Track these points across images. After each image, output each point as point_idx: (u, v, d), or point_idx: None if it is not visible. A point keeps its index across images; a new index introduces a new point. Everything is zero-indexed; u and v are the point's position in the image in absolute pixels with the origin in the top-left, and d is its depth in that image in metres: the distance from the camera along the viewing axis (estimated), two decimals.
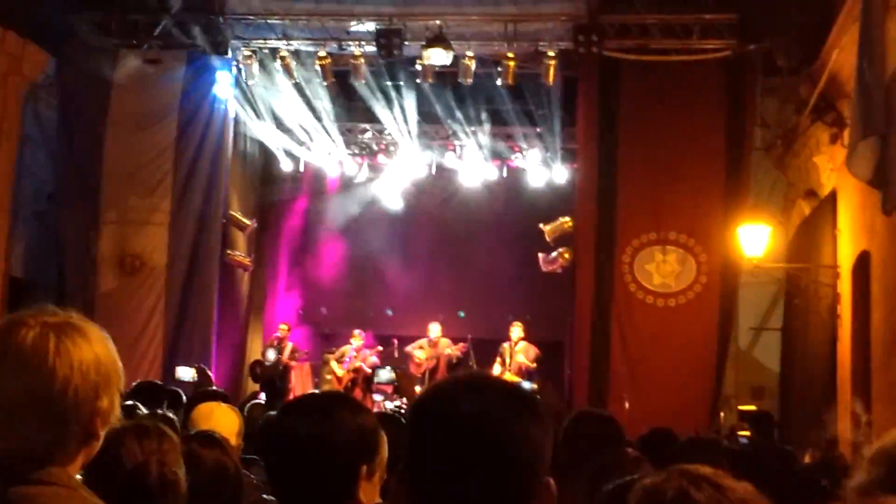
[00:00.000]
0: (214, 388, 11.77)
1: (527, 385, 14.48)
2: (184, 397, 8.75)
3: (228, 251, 17.19)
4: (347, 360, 17.61)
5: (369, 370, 17.42)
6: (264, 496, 4.85)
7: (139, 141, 16.20)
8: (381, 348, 17.89)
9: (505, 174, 19.08)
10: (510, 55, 15.74)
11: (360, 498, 2.63)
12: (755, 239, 14.18)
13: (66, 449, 2.14)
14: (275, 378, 16.86)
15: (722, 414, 15.37)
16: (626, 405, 14.05)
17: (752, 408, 14.41)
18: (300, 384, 17.61)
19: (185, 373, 14.51)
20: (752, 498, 2.14)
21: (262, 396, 15.42)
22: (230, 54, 16.47)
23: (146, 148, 16.25)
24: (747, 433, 11.55)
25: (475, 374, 1.86)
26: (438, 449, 1.72)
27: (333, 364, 17.65)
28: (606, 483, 3.55)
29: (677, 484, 2.11)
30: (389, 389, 17.13)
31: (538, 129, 17.91)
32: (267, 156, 19.04)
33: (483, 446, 1.71)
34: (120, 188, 16.15)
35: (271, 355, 17.28)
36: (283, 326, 17.97)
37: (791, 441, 12.13)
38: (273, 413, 2.84)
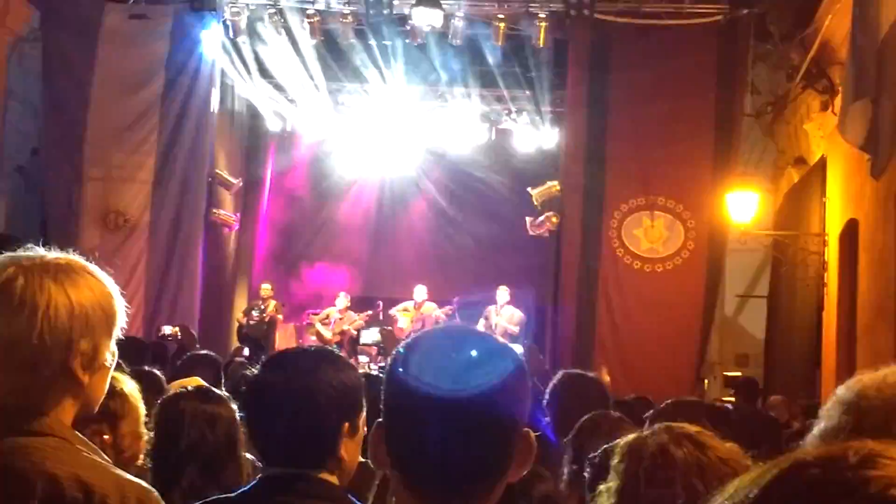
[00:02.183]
0: (204, 351, 11.69)
1: (515, 346, 14.39)
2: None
3: (214, 210, 17.11)
4: (332, 322, 17.59)
5: (355, 332, 17.42)
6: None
7: (125, 97, 16.05)
8: (370, 312, 17.87)
9: (494, 136, 19.01)
10: (501, 16, 15.62)
11: (342, 455, 2.60)
12: (743, 205, 14.18)
13: (46, 395, 2.09)
14: (259, 337, 16.84)
15: (706, 381, 15.41)
16: (606, 375, 14.02)
17: (738, 374, 14.46)
18: (284, 345, 17.57)
19: (170, 331, 14.45)
20: (734, 457, 2.14)
21: (245, 353, 15.42)
22: (217, 10, 16.29)
23: (132, 105, 16.10)
24: (732, 399, 11.58)
25: (455, 326, 1.81)
26: (416, 401, 1.67)
27: (319, 326, 17.63)
28: (590, 442, 3.55)
29: (659, 440, 2.12)
30: (374, 351, 17.13)
31: (528, 92, 17.80)
32: (254, 114, 18.92)
33: (463, 397, 1.66)
34: (105, 144, 16.01)
35: (255, 314, 17.26)
36: (267, 286, 17.91)
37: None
38: (255, 369, 2.79)
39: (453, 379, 1.65)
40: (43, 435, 2.06)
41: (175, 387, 4.68)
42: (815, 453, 0.82)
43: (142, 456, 3.20)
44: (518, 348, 13.71)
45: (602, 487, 2.22)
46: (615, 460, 2.20)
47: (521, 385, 1.73)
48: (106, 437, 2.92)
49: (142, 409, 3.12)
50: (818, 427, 1.82)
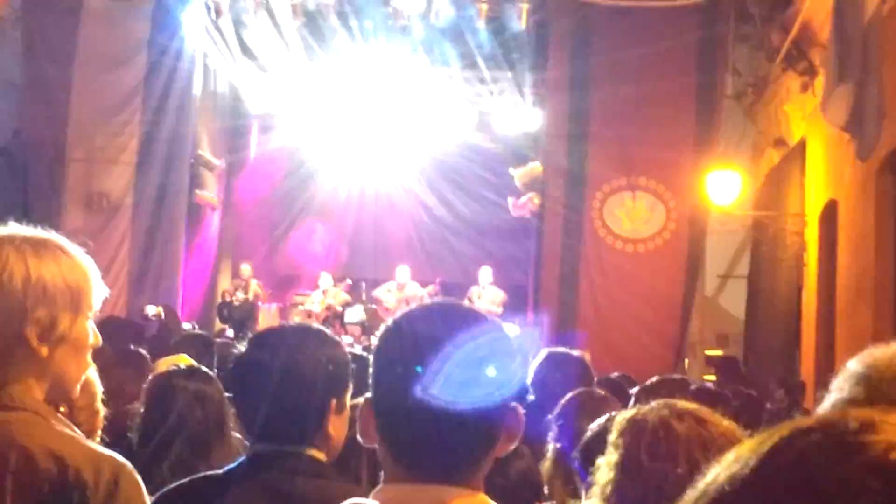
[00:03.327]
0: (200, 332, 11.67)
1: (510, 327, 14.28)
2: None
3: (197, 191, 17.06)
4: (316, 303, 17.56)
5: (339, 308, 17.38)
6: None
7: (108, 79, 15.91)
8: (349, 281, 17.86)
9: (476, 118, 18.97)
10: None
11: (330, 431, 2.61)
12: (724, 186, 14.21)
13: (5, 367, 2.09)
14: (243, 318, 16.82)
15: (687, 360, 15.47)
16: (588, 356, 14.02)
17: (719, 353, 14.52)
18: (268, 325, 17.50)
19: (153, 312, 14.44)
20: (733, 433, 2.16)
21: (228, 334, 15.42)
22: None
23: (115, 86, 15.97)
24: (713, 377, 11.64)
25: (445, 302, 1.83)
26: (407, 375, 1.68)
27: (306, 307, 17.57)
28: (575, 419, 3.58)
29: (660, 414, 2.14)
30: (358, 331, 17.10)
31: (510, 74, 17.78)
32: (236, 96, 18.82)
33: (452, 374, 1.66)
34: (88, 126, 15.88)
35: (239, 295, 17.22)
36: (246, 266, 17.85)
37: (755, 387, 12.24)
38: (242, 346, 2.80)
39: (442, 355, 1.66)
40: (13, 409, 2.05)
41: (163, 364, 4.69)
42: (815, 419, 0.82)
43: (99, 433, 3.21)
44: (515, 328, 13.75)
45: (601, 461, 2.24)
46: (614, 435, 2.22)
47: (509, 360, 1.74)
48: (62, 409, 2.94)
49: (98, 385, 3.12)
50: (829, 400, 1.86)
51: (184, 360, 4.64)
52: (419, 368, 1.66)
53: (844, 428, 0.80)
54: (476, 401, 1.67)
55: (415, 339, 1.70)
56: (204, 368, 4.13)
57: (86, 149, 15.98)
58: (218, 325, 17.65)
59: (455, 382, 1.66)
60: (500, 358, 1.71)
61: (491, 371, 1.69)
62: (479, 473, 1.73)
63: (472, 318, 1.75)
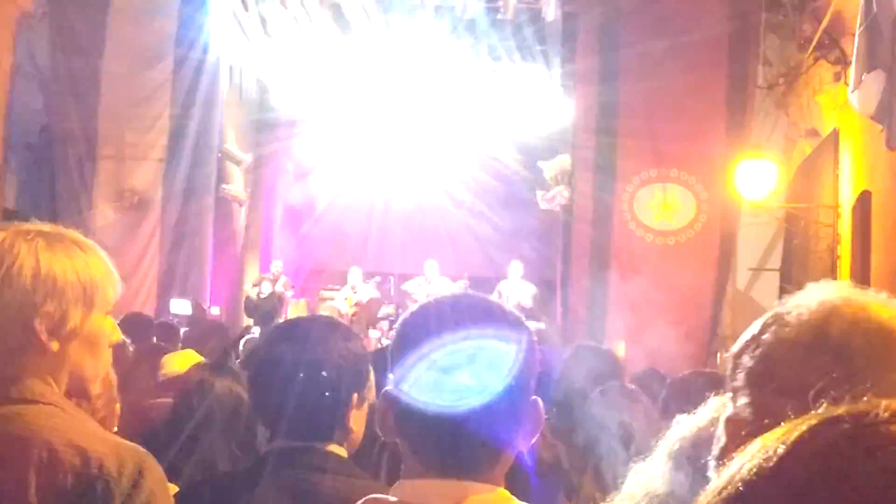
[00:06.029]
0: (212, 321, 11.71)
1: (533, 324, 14.29)
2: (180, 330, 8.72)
3: (224, 186, 17.12)
4: (345, 299, 17.60)
5: (365, 301, 17.41)
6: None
7: (137, 73, 15.98)
8: (378, 279, 17.90)
9: (504, 111, 18.92)
10: None
11: (351, 426, 2.60)
12: (757, 177, 14.07)
13: (18, 360, 2.07)
14: (270, 312, 16.85)
15: (719, 354, 15.35)
16: (622, 349, 13.98)
17: None
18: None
19: (180, 306, 14.50)
20: None
21: (255, 330, 15.44)
22: None
23: (144, 81, 16.04)
24: None
25: (464, 293, 1.80)
26: (422, 371, 1.66)
27: (335, 303, 17.61)
28: (604, 413, 3.54)
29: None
30: (386, 326, 17.14)
31: (538, 66, 17.72)
32: (263, 90, 18.88)
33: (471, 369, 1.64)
34: (117, 123, 15.95)
35: (266, 289, 17.27)
36: (278, 262, 17.95)
37: None
38: (263, 339, 2.77)
39: (461, 350, 1.65)
40: (34, 403, 2.05)
41: (168, 361, 4.66)
42: (844, 409, 0.80)
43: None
44: (539, 325, 13.69)
45: (681, 418, 2.20)
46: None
47: (530, 355, 1.71)
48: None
49: (113, 374, 3.12)
50: None
51: (190, 357, 4.60)
52: (438, 366, 1.64)
53: (874, 418, 0.79)
54: (473, 401, 1.64)
55: (426, 336, 1.66)
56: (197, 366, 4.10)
57: (116, 145, 16.04)
58: (243, 318, 17.73)
59: (460, 381, 1.63)
60: (520, 351, 1.68)
61: (488, 370, 1.65)
62: (499, 468, 1.71)
63: (482, 312, 1.71)
